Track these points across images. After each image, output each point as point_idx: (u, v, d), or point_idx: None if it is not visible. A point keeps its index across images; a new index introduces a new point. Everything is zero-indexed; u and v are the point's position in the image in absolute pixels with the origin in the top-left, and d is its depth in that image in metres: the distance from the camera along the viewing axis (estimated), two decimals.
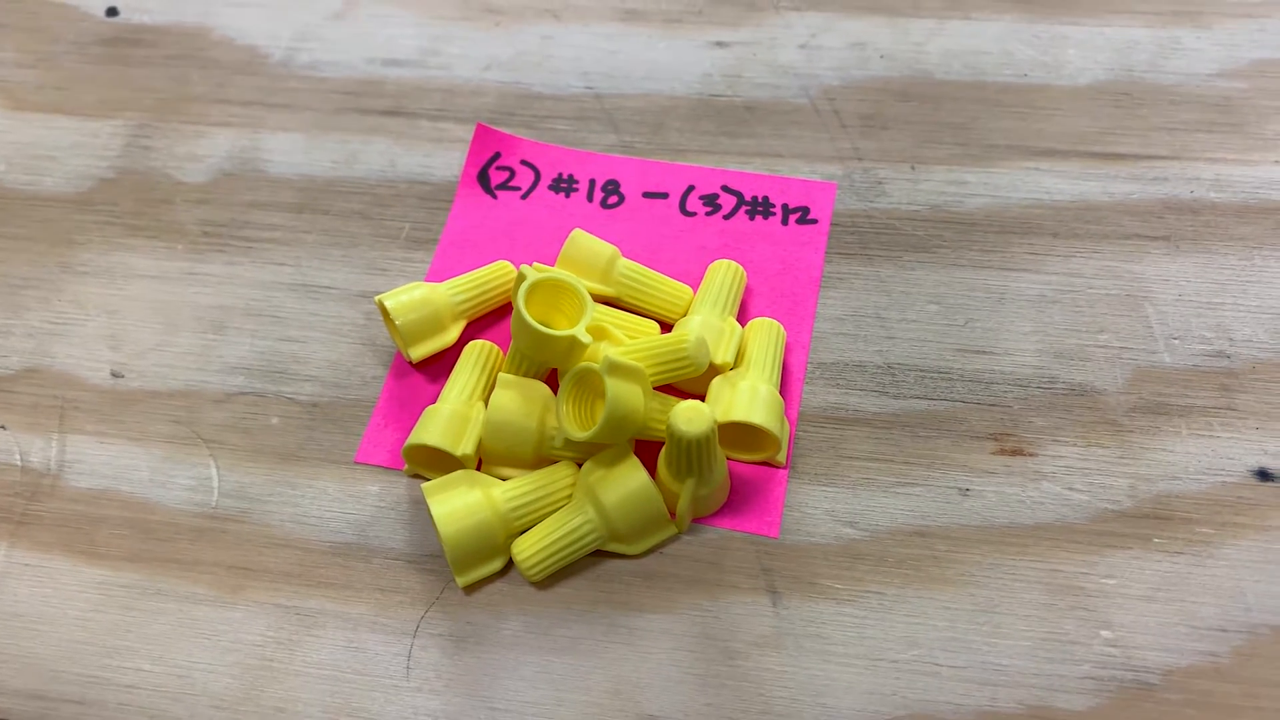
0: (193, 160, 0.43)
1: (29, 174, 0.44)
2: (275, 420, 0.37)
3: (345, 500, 0.35)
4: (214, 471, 0.36)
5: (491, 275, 0.37)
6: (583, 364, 0.32)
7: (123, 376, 0.38)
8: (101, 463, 0.36)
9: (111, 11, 0.49)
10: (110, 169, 0.44)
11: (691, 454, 0.31)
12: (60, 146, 0.45)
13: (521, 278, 0.33)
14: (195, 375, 0.38)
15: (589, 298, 0.33)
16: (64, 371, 0.38)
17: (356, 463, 0.36)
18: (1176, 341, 0.36)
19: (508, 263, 0.38)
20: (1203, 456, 0.34)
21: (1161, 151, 0.40)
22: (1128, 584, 0.32)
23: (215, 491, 0.35)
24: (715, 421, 0.30)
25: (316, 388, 0.37)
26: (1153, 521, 0.33)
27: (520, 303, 0.32)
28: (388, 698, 0.31)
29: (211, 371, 0.38)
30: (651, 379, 0.33)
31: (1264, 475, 0.33)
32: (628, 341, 0.34)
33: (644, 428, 0.32)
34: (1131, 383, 0.35)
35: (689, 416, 0.30)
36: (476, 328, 0.38)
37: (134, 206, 0.42)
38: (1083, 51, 0.43)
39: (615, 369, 0.31)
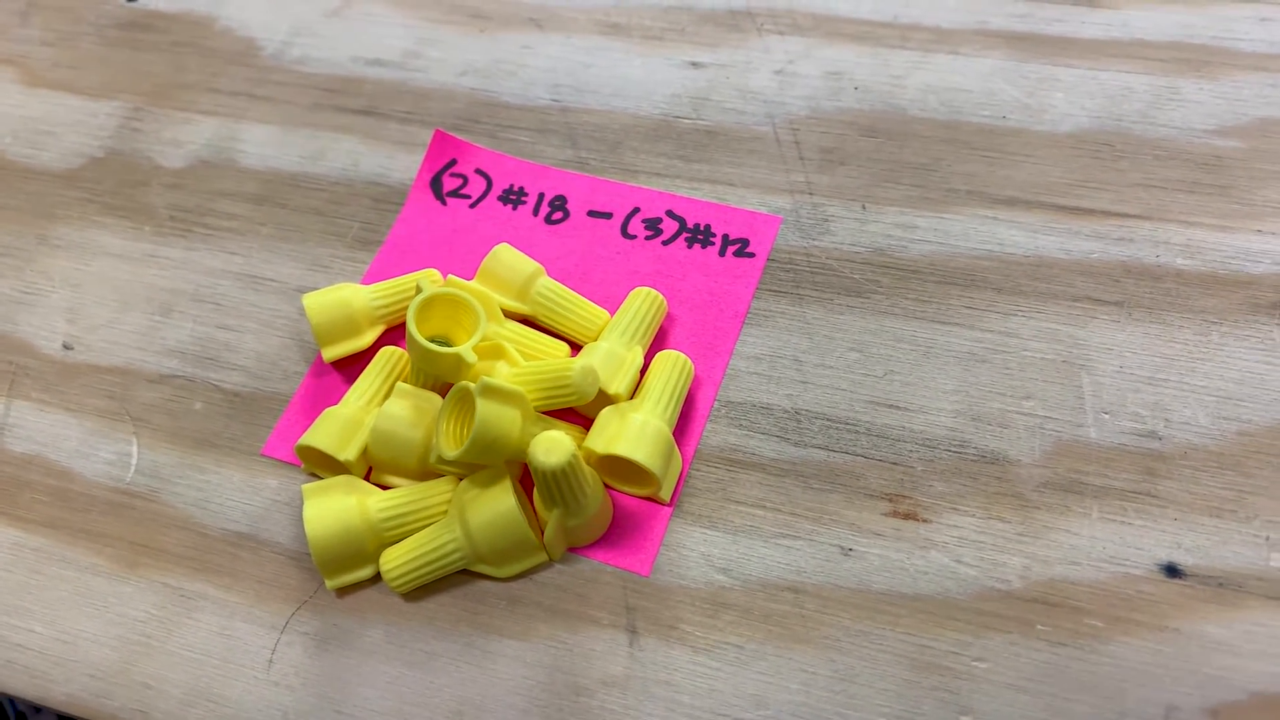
0: (175, 146, 0.45)
1: (30, 148, 0.46)
2: (199, 405, 0.38)
3: (245, 491, 0.36)
4: (134, 449, 0.37)
5: (412, 283, 0.38)
6: (463, 383, 0.32)
7: (72, 349, 0.40)
8: (38, 429, 0.38)
9: None
10: (101, 148, 0.46)
11: (552, 484, 0.30)
12: (62, 123, 0.47)
13: (417, 290, 0.33)
14: (136, 354, 0.39)
15: (484, 316, 0.33)
16: (22, 339, 0.40)
17: (263, 455, 0.37)
18: (1107, 416, 0.33)
19: (435, 271, 0.39)
20: (1109, 543, 0.31)
21: (1133, 210, 0.38)
22: (1000, 670, 0.30)
23: (132, 468, 0.37)
24: (575, 454, 0.30)
25: (242, 377, 0.38)
26: (1040, 607, 0.31)
27: (410, 315, 0.32)
28: (246, 688, 0.32)
29: (151, 352, 0.39)
30: (536, 404, 0.33)
31: (1171, 570, 0.31)
32: (524, 363, 0.34)
33: (521, 451, 0.32)
34: (1049, 456, 0.33)
35: (548, 447, 0.30)
36: (399, 334, 0.38)
37: (114, 186, 0.44)
38: (1070, 96, 0.41)
39: (489, 391, 0.31)
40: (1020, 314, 0.36)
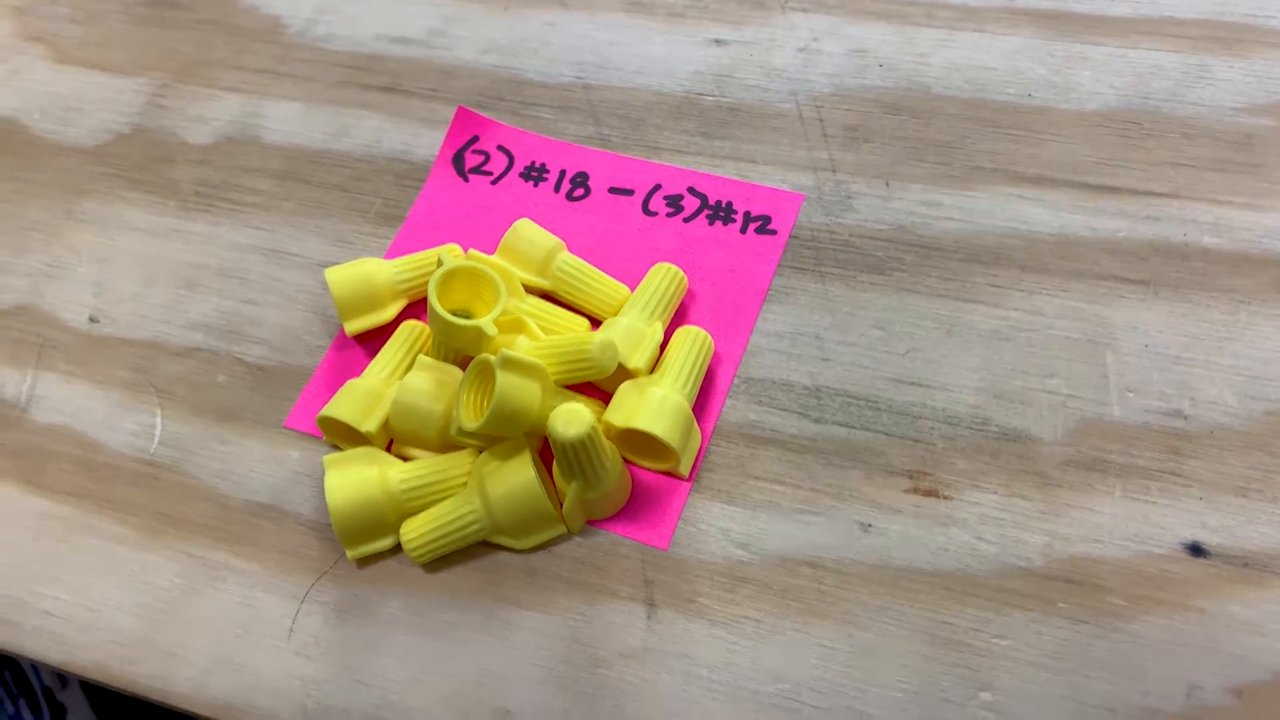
0: (200, 122, 0.46)
1: (58, 124, 0.47)
2: (222, 378, 0.38)
3: (268, 462, 0.36)
4: (158, 420, 0.38)
5: (434, 258, 0.38)
6: (483, 355, 0.32)
7: (98, 322, 0.40)
8: (65, 400, 0.39)
9: None
10: (128, 124, 0.46)
11: (570, 456, 0.30)
12: (90, 100, 0.47)
13: (439, 263, 0.33)
14: (161, 328, 0.40)
15: (504, 289, 0.33)
16: (49, 312, 0.41)
17: (285, 427, 0.37)
18: (1131, 395, 0.33)
19: (456, 246, 0.39)
20: (1132, 522, 0.31)
21: (1161, 189, 0.37)
22: (1020, 647, 0.30)
23: (156, 440, 0.37)
24: (594, 426, 0.30)
25: (265, 351, 0.39)
26: (1062, 585, 0.30)
27: (432, 288, 0.32)
28: (267, 657, 0.32)
29: (176, 325, 0.40)
30: (555, 377, 0.33)
31: (1196, 550, 0.30)
32: (544, 337, 0.34)
33: (540, 424, 0.32)
34: (1072, 434, 0.33)
35: (566, 419, 0.30)
36: (421, 309, 0.38)
37: (140, 162, 0.45)
38: (1098, 74, 0.40)
39: (509, 364, 0.31)
40: (1045, 292, 0.35)
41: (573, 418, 0.30)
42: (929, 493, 0.32)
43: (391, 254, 0.40)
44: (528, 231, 0.37)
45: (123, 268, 0.42)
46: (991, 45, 0.42)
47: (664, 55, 0.44)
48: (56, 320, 0.41)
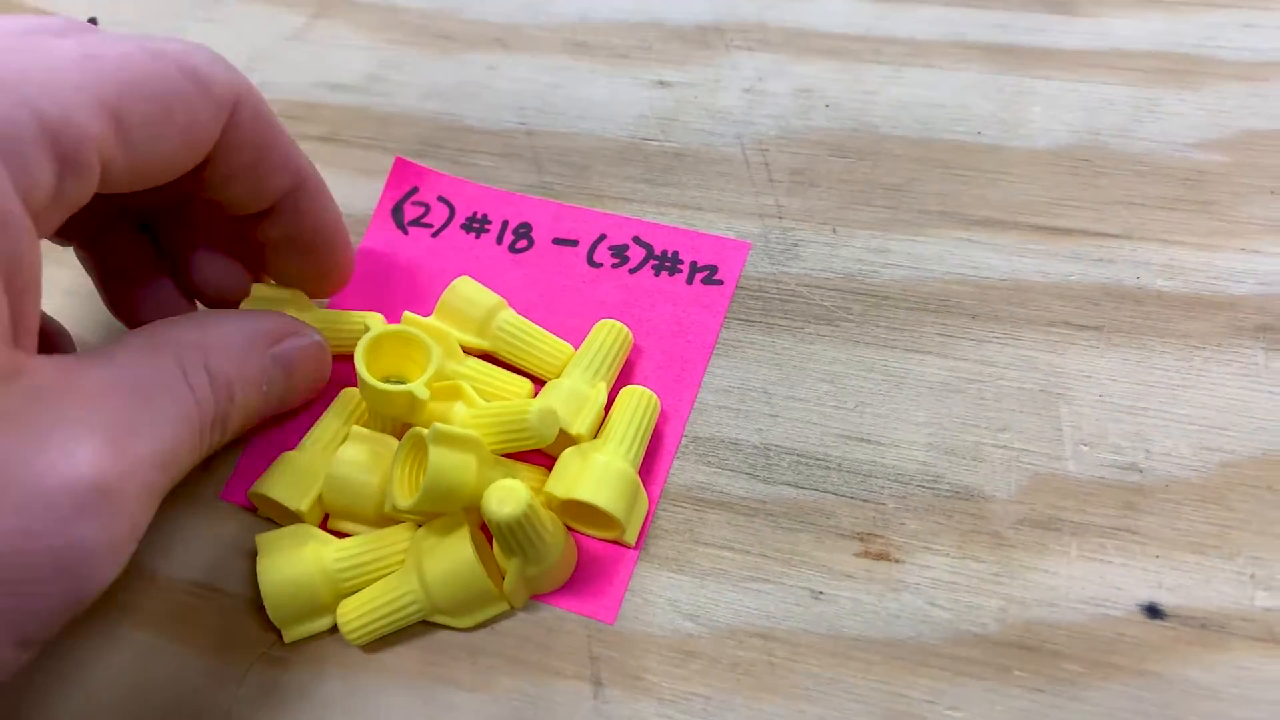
0: None
1: None
2: None
3: (203, 538, 0.35)
4: None
5: (346, 319, 0.37)
6: (415, 429, 0.31)
7: None
8: None
9: (91, 22, 0.50)
10: None
11: (509, 535, 0.29)
12: None
13: (365, 329, 0.32)
14: None
15: (436, 351, 0.32)
16: None
17: (221, 499, 0.36)
18: (1085, 449, 0.32)
19: (379, 315, 0.37)
20: (1088, 583, 0.30)
21: (1113, 229, 0.36)
22: (974, 718, 0.29)
23: None
24: (530, 504, 0.29)
25: None
26: (1017, 651, 0.30)
27: (359, 355, 0.31)
28: None
29: None
30: (494, 447, 0.32)
31: (1153, 611, 0.30)
32: (481, 403, 0.33)
33: (478, 497, 0.31)
34: (1026, 491, 0.32)
35: (501, 497, 0.29)
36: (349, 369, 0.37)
37: None
38: (1048, 110, 0.40)
39: (441, 438, 0.30)
40: (996, 341, 0.35)
41: (507, 495, 0.29)
42: (880, 555, 0.31)
43: (331, 307, 0.39)
44: (467, 290, 0.36)
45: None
46: (940, 81, 0.41)
47: (607, 99, 0.43)
48: None
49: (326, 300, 0.39)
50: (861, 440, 0.33)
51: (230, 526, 0.35)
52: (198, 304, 0.37)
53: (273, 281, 0.37)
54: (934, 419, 0.33)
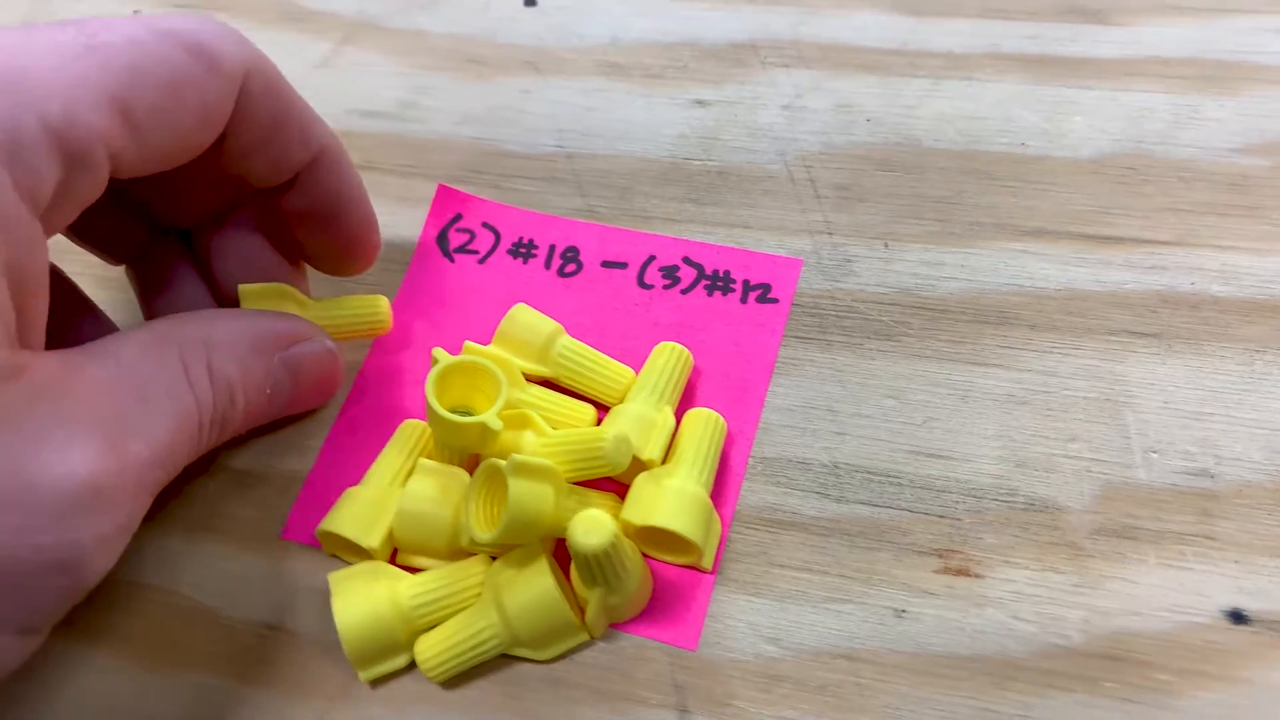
0: None
1: None
2: (210, 485, 0.36)
3: (268, 578, 0.34)
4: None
5: (362, 304, 0.37)
6: (490, 461, 0.31)
7: None
8: None
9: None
10: None
11: (593, 565, 0.29)
12: None
13: (434, 361, 0.32)
14: None
15: (504, 381, 0.32)
16: None
17: (283, 539, 0.35)
18: (1155, 456, 0.32)
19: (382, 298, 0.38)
20: (1170, 591, 0.30)
21: (1164, 236, 0.37)
22: None
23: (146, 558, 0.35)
24: (616, 533, 0.29)
25: (249, 456, 0.37)
26: (1105, 662, 0.30)
27: (430, 389, 0.31)
28: None
29: None
30: (567, 475, 0.32)
31: (1237, 617, 0.30)
32: (550, 432, 0.33)
33: (556, 527, 0.31)
34: (1099, 500, 0.32)
35: (587, 528, 0.29)
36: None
37: None
38: (1090, 119, 0.40)
39: (520, 469, 0.29)
40: (1057, 351, 0.35)
41: (594, 526, 0.29)
42: (960, 571, 0.31)
43: (381, 342, 0.39)
44: (525, 317, 0.36)
45: None
46: (980, 93, 0.41)
47: (645, 119, 0.43)
48: None
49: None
50: (932, 455, 0.33)
51: (294, 565, 0.34)
52: None
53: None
54: (1003, 431, 0.34)
